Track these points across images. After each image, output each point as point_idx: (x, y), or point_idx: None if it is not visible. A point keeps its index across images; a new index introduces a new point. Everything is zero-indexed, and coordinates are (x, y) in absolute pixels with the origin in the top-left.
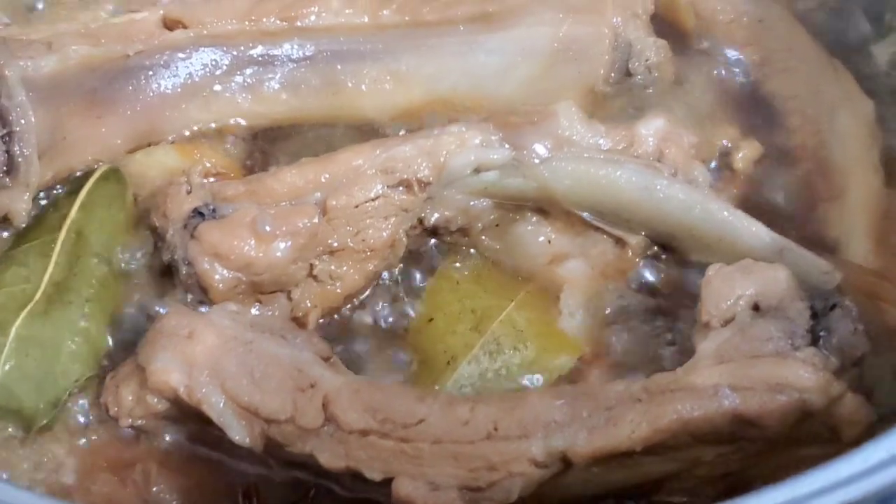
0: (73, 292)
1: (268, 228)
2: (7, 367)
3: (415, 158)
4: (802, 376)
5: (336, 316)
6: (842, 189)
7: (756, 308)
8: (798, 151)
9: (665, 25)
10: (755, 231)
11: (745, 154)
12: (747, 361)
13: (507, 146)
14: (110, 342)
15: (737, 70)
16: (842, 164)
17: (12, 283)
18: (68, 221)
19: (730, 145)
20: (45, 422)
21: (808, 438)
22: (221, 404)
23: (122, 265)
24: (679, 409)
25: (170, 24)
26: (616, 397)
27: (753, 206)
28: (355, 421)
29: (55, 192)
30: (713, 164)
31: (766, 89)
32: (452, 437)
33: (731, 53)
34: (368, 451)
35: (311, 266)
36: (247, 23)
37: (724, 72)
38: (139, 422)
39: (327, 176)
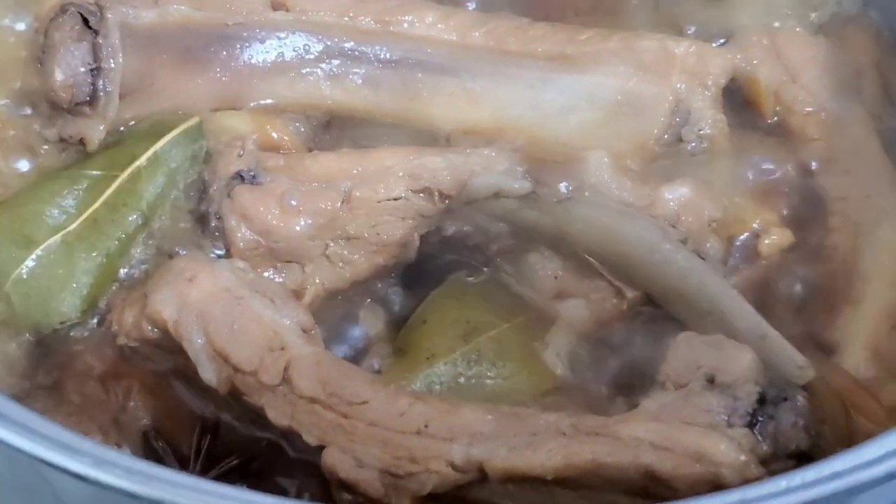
0: (102, 238)
1: (293, 203)
2: (13, 281)
3: (441, 170)
4: (721, 451)
5: (339, 297)
6: (858, 297)
7: (711, 381)
8: (829, 251)
9: (740, 101)
10: (743, 312)
11: (775, 240)
12: (678, 426)
13: (529, 179)
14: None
15: (797, 160)
16: (868, 272)
17: (61, 203)
18: (134, 166)
19: (761, 227)
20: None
21: None
22: (200, 344)
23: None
24: (595, 450)
25: (274, 5)
26: (544, 426)
27: (764, 290)
28: (306, 388)
29: (133, 126)
30: (739, 241)
31: (818, 185)
32: (387, 425)
33: (798, 144)
34: (311, 417)
35: (326, 246)
36: (345, 18)
37: (782, 158)
38: (133, 343)
39: (359, 168)
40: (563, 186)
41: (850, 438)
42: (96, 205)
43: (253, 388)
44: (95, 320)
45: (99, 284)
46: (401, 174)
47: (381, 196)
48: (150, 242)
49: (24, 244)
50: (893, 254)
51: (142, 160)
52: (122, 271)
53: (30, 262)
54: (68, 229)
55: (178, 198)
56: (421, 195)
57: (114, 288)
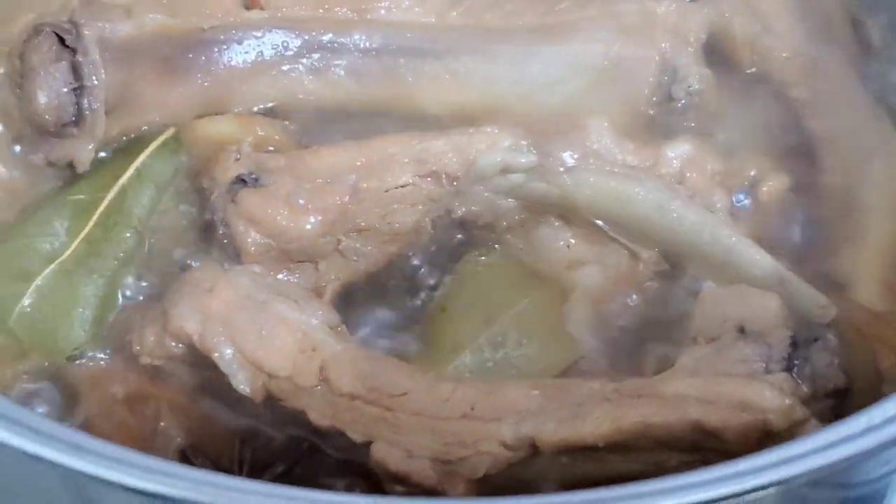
0: (99, 260)
1: (301, 202)
2: (17, 316)
3: (446, 153)
4: (766, 397)
5: (356, 291)
6: (861, 232)
7: (741, 330)
8: (827, 191)
9: (718, 54)
10: (759, 259)
11: (772, 186)
12: (718, 378)
13: (534, 152)
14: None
15: (782, 106)
16: (867, 207)
17: (50, 231)
18: (119, 184)
19: (758, 175)
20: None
21: None
22: (229, 355)
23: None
24: (643, 412)
25: (248, 4)
26: (588, 394)
27: (772, 235)
28: (345, 385)
29: (114, 147)
30: (740, 194)
31: (806, 127)
32: (432, 413)
33: (780, 89)
34: (354, 414)
35: (339, 241)
36: (320, 10)
37: (768, 106)
38: (158, 362)
39: (363, 160)
40: (567, 156)
41: (876, 371)
42: (87, 228)
43: (290, 392)
44: (108, 346)
45: (104, 307)
46: (406, 160)
47: (389, 184)
48: (152, 258)
49: (21, 278)
50: (889, 186)
51: (125, 178)
52: (127, 291)
53: (30, 295)
54: (63, 257)
55: (174, 209)
56: (428, 179)
57: (120, 308)
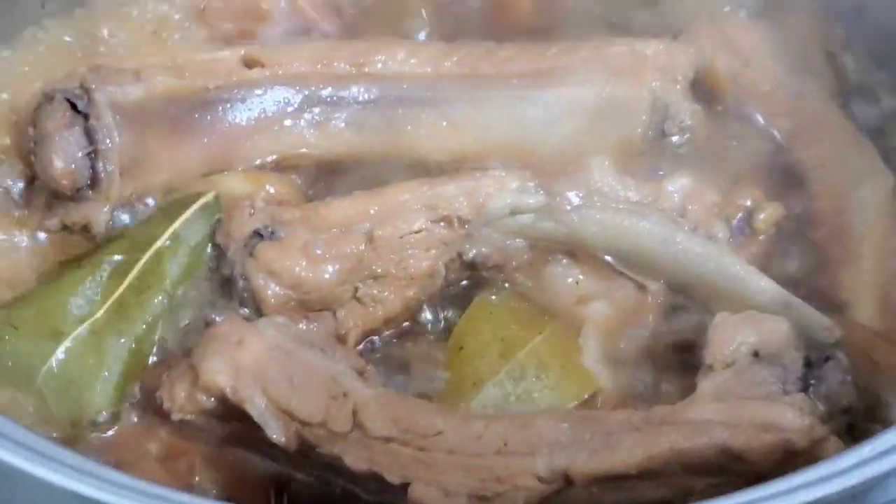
0: (129, 322)
1: (318, 252)
2: (44, 376)
3: (457, 197)
4: (788, 418)
5: (376, 337)
6: (855, 255)
7: (756, 355)
8: (818, 217)
9: (704, 90)
10: (764, 286)
11: (767, 214)
12: (740, 402)
13: (541, 192)
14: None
15: (768, 137)
16: (858, 232)
17: (83, 291)
18: (155, 247)
19: (753, 205)
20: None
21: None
22: (262, 405)
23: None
24: (672, 439)
25: (249, 63)
26: (617, 424)
27: (771, 263)
28: (379, 429)
29: (146, 206)
30: (736, 222)
31: (793, 157)
32: (466, 450)
33: (765, 121)
34: (389, 456)
35: (356, 289)
36: (319, 66)
37: (756, 137)
38: (189, 416)
39: (376, 208)
40: (573, 195)
41: (878, 387)
42: (121, 290)
43: (324, 438)
44: (136, 406)
45: (130, 370)
46: (418, 207)
47: (403, 231)
48: (177, 318)
49: (51, 337)
50: (878, 210)
51: (163, 240)
52: (153, 350)
53: (59, 355)
54: (95, 317)
55: (199, 268)
56: (441, 224)
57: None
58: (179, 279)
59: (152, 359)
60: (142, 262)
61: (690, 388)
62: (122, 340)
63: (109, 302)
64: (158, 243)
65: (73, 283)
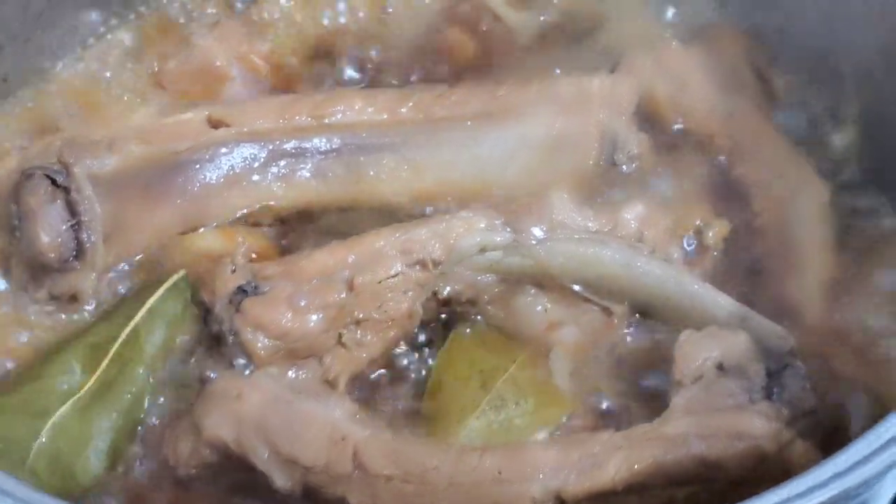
0: (114, 395)
1: (302, 303)
2: (35, 454)
3: (429, 240)
4: (757, 425)
5: (363, 377)
6: (799, 264)
7: (721, 368)
8: (762, 230)
9: (648, 119)
10: (721, 301)
11: (716, 232)
12: (711, 413)
13: (508, 230)
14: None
15: (710, 157)
16: (800, 242)
17: (67, 370)
18: (132, 324)
19: (702, 224)
20: None
21: (764, 478)
22: (266, 455)
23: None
24: (654, 454)
25: (214, 123)
26: (601, 445)
27: (723, 276)
28: (381, 468)
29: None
30: (688, 241)
31: (734, 174)
32: (464, 481)
33: (706, 142)
34: (392, 493)
35: (340, 335)
36: (281, 121)
37: (698, 159)
38: (193, 471)
39: (353, 257)
40: (537, 230)
41: (834, 381)
42: (102, 366)
43: (328, 481)
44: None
45: (120, 438)
46: (393, 252)
47: (381, 276)
48: (166, 376)
49: (38, 416)
50: (815, 219)
51: (138, 318)
52: (143, 418)
53: (47, 432)
54: (79, 395)
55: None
56: (416, 267)
57: (140, 436)
58: (158, 353)
59: (154, 420)
60: (121, 338)
61: (658, 402)
62: (109, 412)
63: (93, 379)
64: (136, 320)
65: (56, 364)
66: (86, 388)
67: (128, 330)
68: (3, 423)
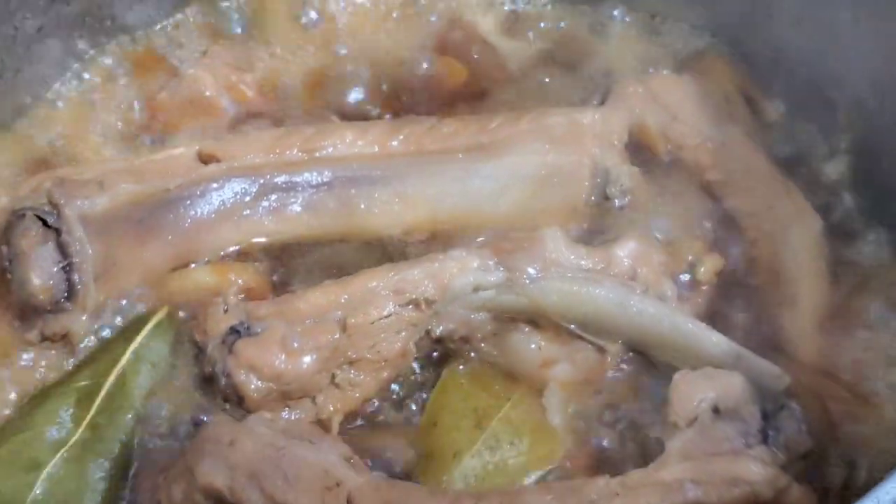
0: (104, 443)
1: (296, 344)
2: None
3: (422, 280)
4: (753, 471)
5: (357, 419)
6: (793, 296)
7: (716, 410)
8: (756, 263)
9: (639, 150)
10: (715, 340)
11: (708, 266)
12: (708, 458)
13: (501, 269)
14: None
15: (703, 189)
16: (794, 275)
17: (56, 420)
18: (118, 368)
19: (694, 259)
20: None
21: None
22: (260, 503)
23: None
24: (651, 501)
25: (204, 159)
26: (597, 492)
27: (716, 312)
28: None
29: (106, 332)
30: (682, 276)
31: (727, 206)
32: None
33: (698, 174)
34: None
35: (333, 375)
36: (272, 155)
37: (690, 191)
38: None
39: (346, 297)
40: (531, 268)
41: (829, 421)
42: (90, 414)
43: None
44: None
45: (114, 486)
46: (386, 293)
47: (374, 317)
48: (156, 419)
49: (31, 468)
50: (809, 251)
51: (125, 360)
52: (134, 463)
53: (41, 485)
54: (70, 443)
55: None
56: (409, 307)
57: (131, 481)
58: (146, 395)
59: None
60: (107, 384)
61: (651, 441)
62: (101, 460)
63: (82, 428)
64: (121, 363)
65: (44, 413)
66: (76, 437)
67: (114, 375)
68: None
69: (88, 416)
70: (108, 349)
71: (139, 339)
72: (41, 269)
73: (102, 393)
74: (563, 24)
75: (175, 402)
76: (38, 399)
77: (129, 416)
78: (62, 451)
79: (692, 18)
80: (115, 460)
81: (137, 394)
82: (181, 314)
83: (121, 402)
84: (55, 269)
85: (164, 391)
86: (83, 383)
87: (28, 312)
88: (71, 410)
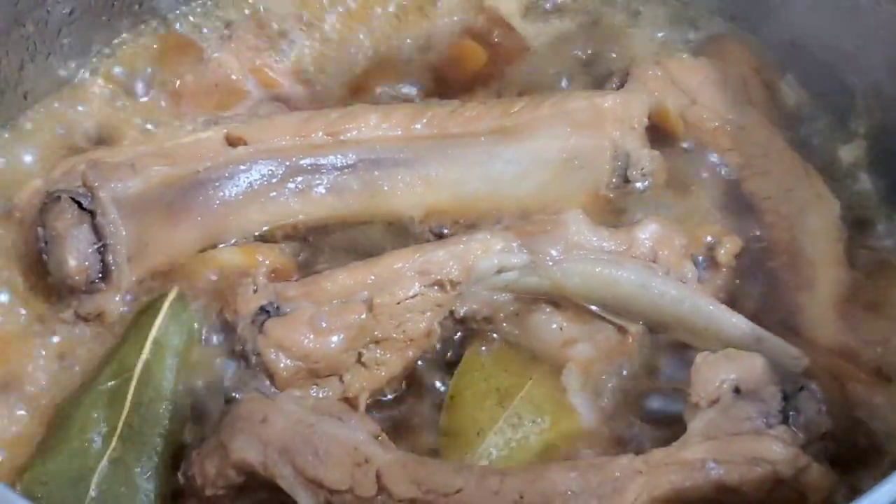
0: (145, 440)
1: (324, 324)
2: None
3: (447, 262)
4: (774, 450)
5: (382, 396)
6: (811, 279)
7: (737, 391)
8: (774, 246)
9: (658, 133)
10: (736, 322)
11: (727, 248)
12: (730, 438)
13: (524, 251)
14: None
15: (721, 172)
16: (811, 258)
17: (91, 427)
18: (141, 361)
19: (713, 241)
20: None
21: (779, 503)
22: (291, 477)
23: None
24: (673, 480)
25: (232, 142)
26: (621, 469)
27: (735, 294)
28: (404, 491)
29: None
30: (701, 259)
31: (745, 189)
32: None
33: (716, 157)
34: None
35: (360, 354)
36: (298, 138)
37: (709, 174)
38: (220, 491)
39: (373, 277)
40: (553, 250)
41: (849, 406)
42: (124, 414)
43: (353, 502)
44: None
45: (163, 483)
46: (411, 274)
47: (400, 297)
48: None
49: (79, 480)
50: (827, 235)
51: (146, 352)
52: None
53: (92, 493)
54: (111, 446)
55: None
56: (435, 288)
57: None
58: (175, 382)
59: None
60: (134, 380)
61: (672, 421)
62: (144, 459)
63: (119, 429)
64: (143, 356)
65: (79, 422)
66: (114, 440)
67: (138, 369)
68: (48, 494)
69: (123, 417)
70: (126, 342)
71: (157, 324)
72: (77, 250)
73: (131, 390)
74: (583, 6)
75: (205, 382)
76: (68, 408)
77: (163, 407)
78: (105, 457)
79: (711, 3)
80: (159, 455)
81: (166, 384)
82: (201, 295)
83: (151, 395)
84: (90, 251)
85: (191, 375)
86: (110, 384)
87: (63, 292)
88: (104, 413)
